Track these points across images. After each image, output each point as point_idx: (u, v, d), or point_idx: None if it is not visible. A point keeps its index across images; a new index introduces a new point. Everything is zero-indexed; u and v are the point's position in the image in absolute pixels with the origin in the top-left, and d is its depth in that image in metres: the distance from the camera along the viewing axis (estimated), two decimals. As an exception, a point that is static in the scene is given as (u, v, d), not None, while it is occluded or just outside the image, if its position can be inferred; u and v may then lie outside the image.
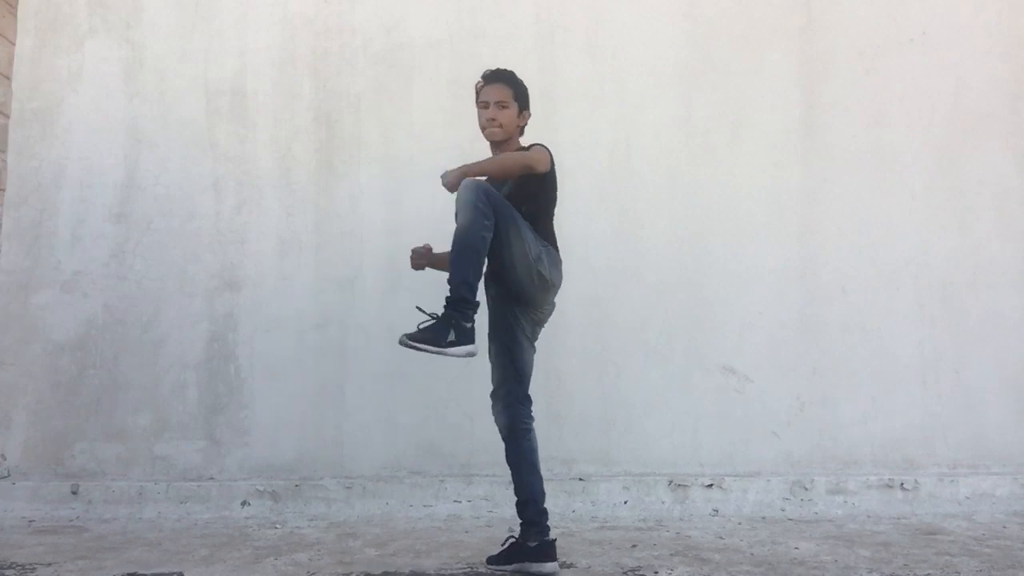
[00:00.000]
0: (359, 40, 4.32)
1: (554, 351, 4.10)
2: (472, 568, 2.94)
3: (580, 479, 3.97)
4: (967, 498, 3.92)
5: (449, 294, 2.79)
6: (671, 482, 3.95)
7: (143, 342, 4.15)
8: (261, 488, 3.96)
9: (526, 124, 3.14)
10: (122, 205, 4.24)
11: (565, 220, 4.16)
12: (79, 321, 4.16)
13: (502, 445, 3.11)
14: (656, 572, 2.87)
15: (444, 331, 2.75)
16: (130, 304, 4.17)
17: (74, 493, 3.96)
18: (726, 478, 3.96)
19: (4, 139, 4.24)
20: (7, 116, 4.27)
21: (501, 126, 3.04)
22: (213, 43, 4.33)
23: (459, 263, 2.79)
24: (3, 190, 4.23)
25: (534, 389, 4.22)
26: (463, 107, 4.26)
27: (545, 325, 3.31)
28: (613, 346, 4.12)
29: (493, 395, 3.15)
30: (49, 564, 3.03)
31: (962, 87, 4.27)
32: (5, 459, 4.08)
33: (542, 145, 3.01)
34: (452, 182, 2.86)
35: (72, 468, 4.06)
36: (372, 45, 4.32)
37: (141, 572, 2.94)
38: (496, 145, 3.09)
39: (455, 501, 3.93)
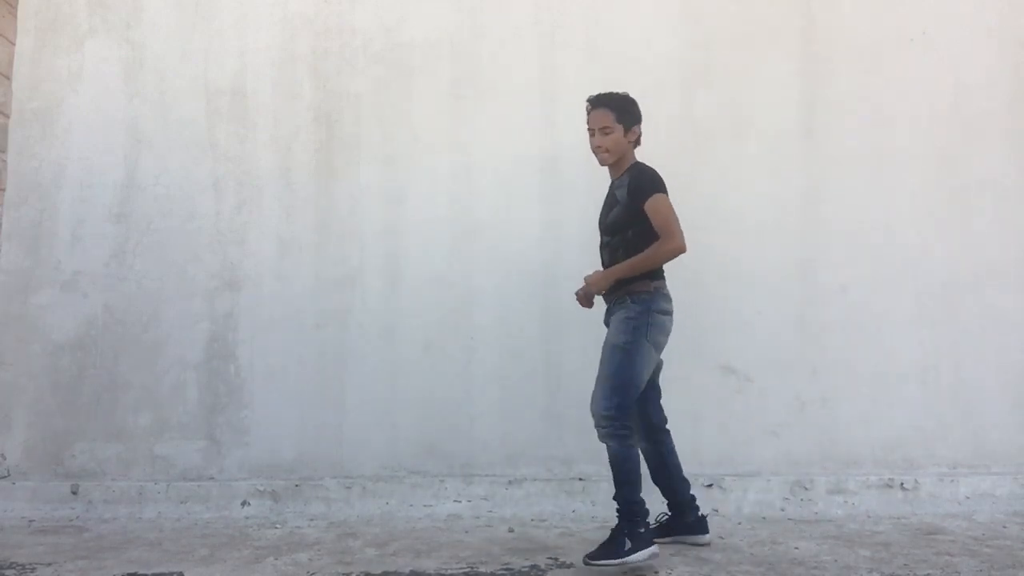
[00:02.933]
0: (359, 40, 4.32)
1: (554, 351, 4.10)
2: (472, 568, 2.94)
3: (580, 479, 3.97)
4: (967, 498, 3.92)
5: (619, 509, 2.96)
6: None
7: (143, 342, 4.15)
8: (261, 488, 3.96)
9: (638, 137, 3.21)
10: (122, 205, 4.23)
11: (565, 220, 4.19)
12: (79, 321, 4.16)
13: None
14: (656, 572, 2.87)
15: (620, 542, 2.88)
16: (130, 304, 4.17)
17: (74, 493, 3.96)
18: (726, 478, 3.96)
19: (4, 139, 4.24)
20: (7, 116, 4.27)
21: (608, 151, 3.16)
22: (213, 43, 4.33)
23: (622, 489, 2.95)
24: (3, 190, 4.23)
25: (535, 389, 4.24)
26: (463, 107, 4.27)
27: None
28: (613, 346, 4.11)
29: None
30: (49, 564, 3.04)
31: (962, 87, 4.27)
32: (5, 459, 4.08)
33: (659, 190, 3.07)
34: (601, 290, 3.14)
35: (72, 468, 4.06)
36: (372, 45, 4.32)
37: (141, 572, 2.94)
38: (609, 166, 3.22)
39: (455, 501, 3.93)
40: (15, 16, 4.33)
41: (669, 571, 2.88)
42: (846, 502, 3.91)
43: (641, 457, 3.09)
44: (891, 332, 4.13)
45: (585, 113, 3.20)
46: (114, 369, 4.13)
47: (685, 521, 3.27)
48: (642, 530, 2.90)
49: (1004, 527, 3.59)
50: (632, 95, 3.21)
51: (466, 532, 3.56)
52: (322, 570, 2.94)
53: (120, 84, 4.31)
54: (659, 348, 3.11)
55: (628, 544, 2.85)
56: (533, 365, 4.09)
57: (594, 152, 3.20)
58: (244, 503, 3.94)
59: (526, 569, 2.93)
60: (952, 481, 3.96)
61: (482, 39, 4.30)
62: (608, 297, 3.20)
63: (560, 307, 4.13)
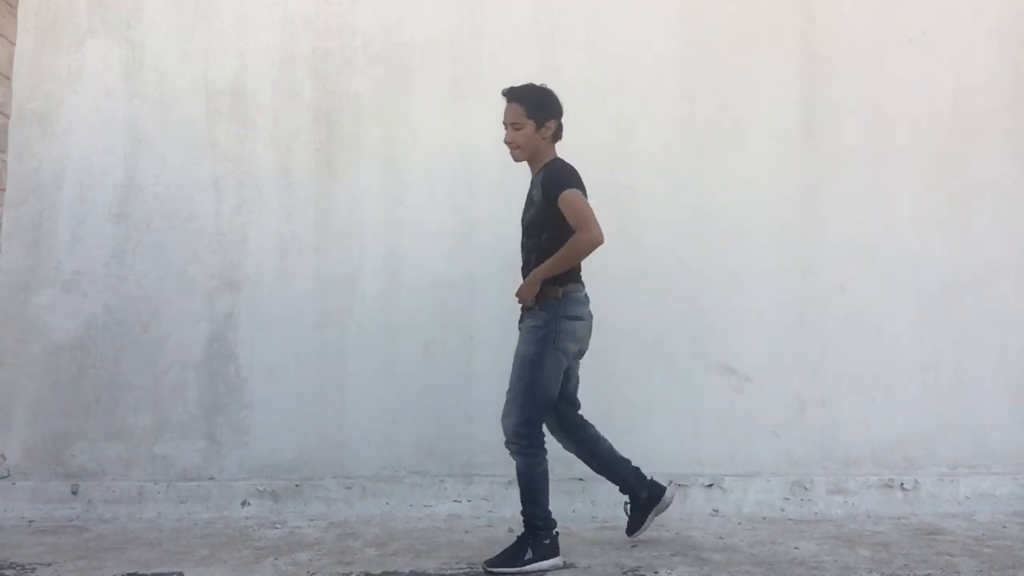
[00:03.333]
0: (359, 40, 4.32)
1: (554, 351, 4.09)
2: (472, 568, 2.95)
3: (580, 479, 3.96)
4: (967, 498, 3.92)
5: (524, 522, 3.00)
6: (671, 482, 3.94)
7: (143, 342, 4.14)
8: (261, 488, 3.96)
9: (553, 132, 3.14)
10: (122, 205, 4.23)
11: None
12: (79, 321, 4.16)
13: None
14: (656, 572, 2.87)
15: (521, 551, 2.92)
16: (130, 304, 4.17)
17: (74, 493, 3.96)
18: (726, 478, 3.96)
19: (4, 139, 4.24)
20: (7, 116, 4.26)
21: (519, 147, 3.10)
22: (213, 43, 4.32)
23: (528, 502, 2.97)
24: (3, 190, 4.23)
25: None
26: (463, 107, 4.27)
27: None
28: (613, 347, 4.11)
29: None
30: (49, 564, 3.04)
31: (962, 87, 4.27)
32: (5, 459, 4.08)
33: (572, 185, 3.01)
34: (533, 295, 3.02)
35: (72, 468, 4.06)
36: (372, 45, 4.32)
37: (141, 572, 2.94)
38: (529, 166, 3.16)
39: (455, 501, 3.93)
40: (15, 16, 4.33)
41: (669, 571, 2.88)
42: (846, 502, 3.91)
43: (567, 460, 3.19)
44: (891, 332, 4.13)
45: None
46: (114, 369, 4.13)
47: (644, 497, 3.27)
48: (547, 541, 2.94)
49: (1004, 527, 3.59)
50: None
51: (466, 532, 3.56)
52: (322, 570, 2.94)
53: (120, 84, 4.31)
54: (570, 355, 3.08)
55: (529, 554, 2.89)
56: (533, 365, 4.08)
57: (508, 148, 3.14)
58: (244, 503, 3.94)
59: (526, 569, 2.92)
60: (952, 481, 3.97)
61: (482, 39, 4.30)
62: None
63: (560, 307, 4.12)
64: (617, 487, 3.33)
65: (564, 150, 4.36)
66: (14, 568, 2.99)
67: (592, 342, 4.14)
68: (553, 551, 2.94)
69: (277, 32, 4.33)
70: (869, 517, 3.79)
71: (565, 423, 3.25)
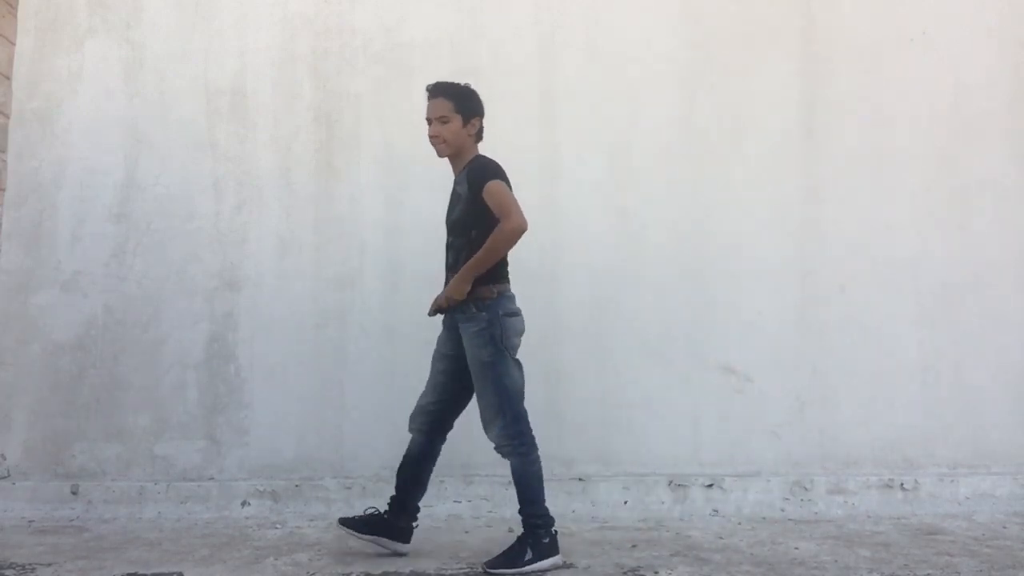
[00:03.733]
0: (359, 40, 4.32)
1: (554, 351, 4.10)
2: (472, 568, 2.95)
3: (580, 479, 3.97)
4: (967, 498, 3.92)
5: (523, 522, 2.97)
6: (671, 482, 3.95)
7: (143, 342, 4.14)
8: (261, 488, 3.96)
9: (479, 131, 3.12)
10: (122, 205, 4.23)
11: (565, 220, 4.19)
12: (79, 321, 4.16)
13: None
14: (656, 572, 2.87)
15: (521, 552, 2.90)
16: (130, 304, 4.17)
17: (74, 493, 3.96)
18: (726, 478, 3.96)
19: (4, 139, 4.24)
20: (7, 116, 4.26)
21: (445, 141, 3.06)
22: (213, 43, 4.32)
23: (526, 502, 2.96)
24: (3, 190, 4.23)
25: (535, 389, 4.23)
26: (463, 107, 4.26)
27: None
28: (613, 346, 4.12)
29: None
30: (49, 564, 3.04)
31: (962, 87, 4.27)
32: (5, 459, 4.08)
33: (497, 176, 2.98)
34: (462, 293, 2.97)
35: (72, 468, 4.06)
36: (372, 45, 4.32)
37: (141, 572, 2.94)
38: (449, 159, 3.13)
39: (455, 501, 3.93)
40: (15, 16, 4.33)
41: (669, 571, 2.88)
42: (846, 502, 3.91)
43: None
44: (891, 332, 4.13)
45: (426, 102, 3.10)
46: (114, 369, 4.13)
47: (397, 525, 3.15)
48: (546, 540, 2.92)
49: (1004, 527, 3.59)
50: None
51: (466, 532, 3.56)
52: (322, 570, 2.94)
53: (120, 84, 4.31)
54: (516, 350, 3.05)
55: (529, 554, 2.87)
56: (533, 365, 4.06)
57: (431, 142, 3.10)
58: (244, 503, 3.93)
59: (526, 569, 2.92)
60: (952, 481, 3.97)
61: (482, 39, 4.30)
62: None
63: (560, 307, 4.13)
64: (395, 496, 3.18)
65: (564, 149, 4.38)
66: (14, 568, 2.99)
67: (593, 342, 4.16)
68: (552, 550, 2.93)
69: (277, 32, 4.33)
70: (869, 517, 3.79)
71: (435, 426, 3.18)
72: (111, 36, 4.34)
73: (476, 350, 2.98)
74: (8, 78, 4.28)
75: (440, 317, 3.17)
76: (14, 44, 4.33)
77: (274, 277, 4.19)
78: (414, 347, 4.11)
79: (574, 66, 4.27)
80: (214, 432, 4.09)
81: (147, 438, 4.09)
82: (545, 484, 3.03)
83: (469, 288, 2.97)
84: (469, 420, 4.04)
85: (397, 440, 4.06)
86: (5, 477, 4.04)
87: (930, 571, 2.86)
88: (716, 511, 3.88)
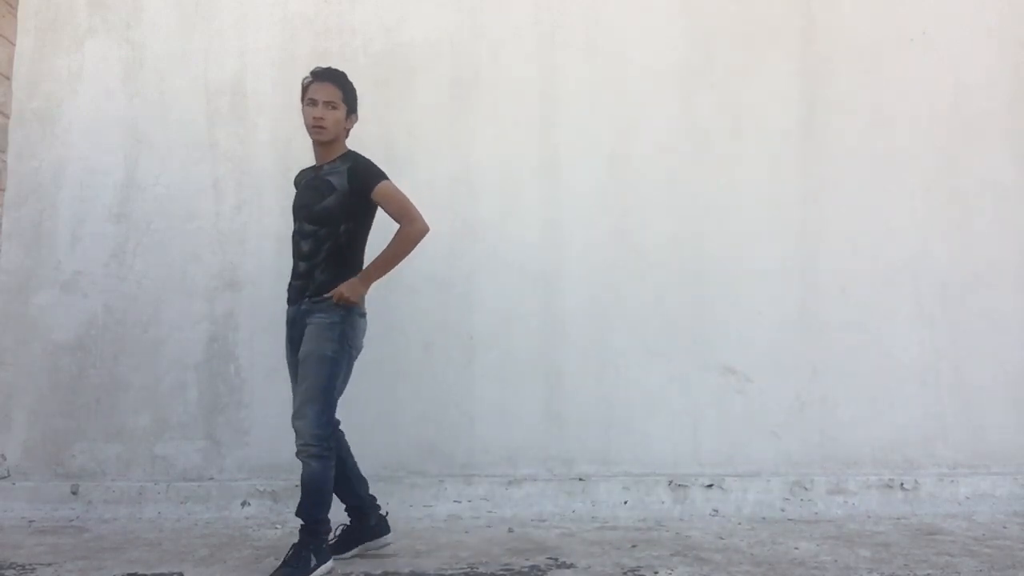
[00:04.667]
0: (359, 40, 4.32)
1: (554, 351, 4.10)
2: (472, 568, 2.94)
3: (580, 479, 3.97)
4: (967, 498, 3.92)
5: (303, 524, 2.88)
6: (671, 482, 3.95)
7: (143, 342, 4.14)
8: (261, 488, 3.96)
9: (352, 127, 3.11)
10: (122, 205, 4.23)
11: (565, 220, 4.19)
12: (79, 321, 4.16)
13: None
14: (656, 572, 2.87)
15: (307, 559, 2.82)
16: (130, 304, 4.17)
17: (74, 493, 3.96)
18: (726, 478, 3.96)
19: (4, 139, 4.24)
20: (7, 116, 4.26)
21: (326, 127, 3.00)
22: (213, 43, 4.32)
23: (309, 505, 2.87)
24: (3, 190, 4.23)
25: (535, 389, 4.23)
26: (463, 107, 4.27)
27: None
28: (613, 346, 4.12)
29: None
30: (49, 564, 3.03)
31: (962, 87, 4.27)
32: (5, 459, 4.08)
33: (386, 178, 3.00)
34: (359, 295, 2.92)
35: (72, 468, 4.05)
36: (372, 45, 4.32)
37: (141, 572, 2.94)
38: (321, 145, 3.05)
39: (455, 501, 3.93)
40: (15, 16, 4.33)
41: (669, 571, 2.88)
42: (846, 502, 3.91)
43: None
44: (891, 332, 4.13)
45: (302, 87, 3.03)
46: (114, 369, 4.12)
47: (368, 525, 3.15)
48: (325, 546, 2.88)
49: (1004, 527, 3.59)
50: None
51: (466, 532, 3.56)
52: (322, 570, 2.93)
53: (120, 84, 4.31)
54: (358, 352, 3.01)
55: (314, 560, 2.82)
56: (533, 365, 4.08)
57: (310, 126, 2.98)
58: (244, 503, 3.93)
59: (526, 569, 2.92)
60: (952, 481, 3.97)
61: (482, 39, 4.30)
62: (305, 294, 3.00)
63: (560, 307, 4.13)
64: (346, 504, 3.17)
65: (564, 150, 4.38)
66: (14, 568, 2.99)
67: (592, 342, 4.16)
68: (328, 554, 2.89)
69: (277, 32, 4.33)
70: (869, 517, 3.79)
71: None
72: (111, 36, 4.34)
73: (320, 341, 2.89)
74: (8, 78, 4.28)
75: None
76: (14, 44, 4.33)
77: (274, 277, 4.18)
78: (414, 347, 4.12)
79: (574, 66, 4.27)
80: (214, 432, 4.09)
81: (147, 438, 4.08)
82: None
83: (366, 290, 2.94)
84: (469, 420, 4.06)
85: (397, 440, 4.08)
86: (5, 477, 4.04)
87: (930, 571, 2.86)
88: (716, 511, 3.88)
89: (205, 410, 4.10)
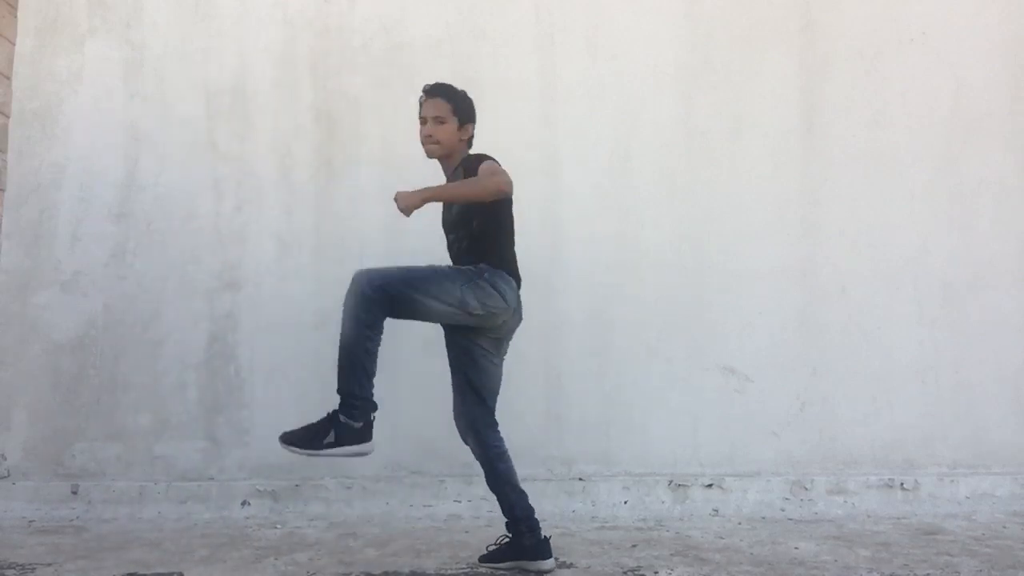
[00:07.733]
0: (359, 40, 4.32)
1: (554, 351, 4.10)
2: (472, 568, 2.95)
3: (580, 479, 3.97)
4: (967, 498, 3.92)
5: (340, 400, 2.77)
6: (671, 482, 3.95)
7: (143, 342, 4.14)
8: (261, 488, 3.96)
9: (471, 137, 3.08)
10: (122, 205, 4.23)
11: (566, 220, 4.19)
12: (79, 321, 4.16)
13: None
14: (656, 572, 2.87)
15: (321, 433, 2.71)
16: (130, 304, 4.17)
17: (74, 493, 3.96)
18: (726, 478, 3.96)
19: (4, 139, 4.24)
20: (7, 116, 4.27)
21: (438, 143, 3.00)
22: (213, 43, 4.32)
23: (345, 377, 2.80)
24: (3, 190, 4.23)
25: (535, 389, 4.22)
26: (463, 107, 4.26)
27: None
28: (613, 346, 4.12)
29: (456, 419, 3.11)
30: (49, 564, 3.03)
31: (962, 87, 4.27)
32: (5, 459, 4.08)
33: (491, 158, 2.90)
34: (410, 206, 2.73)
35: (72, 468, 4.06)
36: (372, 45, 4.32)
37: (141, 572, 2.94)
38: (440, 161, 3.08)
39: (455, 501, 3.93)
40: (15, 16, 4.33)
41: (669, 571, 2.88)
42: (846, 502, 3.91)
43: None
44: (891, 332, 4.13)
45: (419, 104, 3.04)
46: (114, 369, 4.13)
47: (521, 544, 2.91)
48: (359, 424, 2.72)
49: (1004, 527, 3.59)
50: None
51: (466, 532, 3.56)
52: (322, 570, 2.94)
53: (120, 84, 4.31)
54: (477, 313, 3.00)
55: (331, 437, 2.66)
56: (533, 365, 4.08)
57: (423, 142, 3.01)
58: (244, 503, 3.93)
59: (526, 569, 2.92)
60: (952, 481, 3.96)
61: (482, 39, 4.30)
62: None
63: (560, 307, 4.13)
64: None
65: (564, 149, 4.38)
66: (14, 568, 2.99)
67: (593, 341, 4.16)
68: (358, 438, 2.75)
69: (277, 32, 4.33)
70: (869, 517, 3.79)
71: None
72: (111, 36, 4.34)
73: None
74: (8, 78, 4.28)
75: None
76: (14, 44, 4.33)
77: (274, 277, 4.19)
78: (413, 347, 4.12)
79: (574, 66, 4.27)
80: (214, 432, 4.09)
81: (147, 438, 4.08)
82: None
83: (418, 202, 2.74)
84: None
85: (397, 440, 4.08)
86: (5, 477, 4.04)
87: (930, 571, 2.86)
88: (716, 511, 3.88)
89: (205, 410, 4.10)
